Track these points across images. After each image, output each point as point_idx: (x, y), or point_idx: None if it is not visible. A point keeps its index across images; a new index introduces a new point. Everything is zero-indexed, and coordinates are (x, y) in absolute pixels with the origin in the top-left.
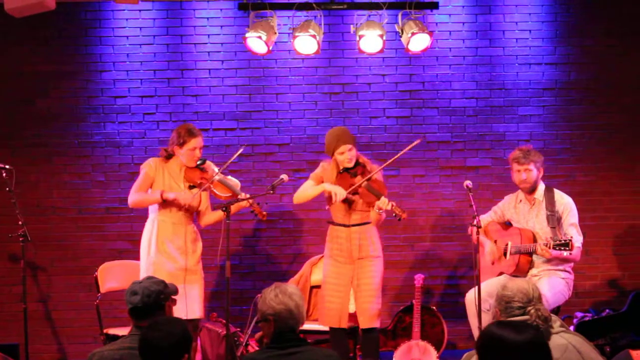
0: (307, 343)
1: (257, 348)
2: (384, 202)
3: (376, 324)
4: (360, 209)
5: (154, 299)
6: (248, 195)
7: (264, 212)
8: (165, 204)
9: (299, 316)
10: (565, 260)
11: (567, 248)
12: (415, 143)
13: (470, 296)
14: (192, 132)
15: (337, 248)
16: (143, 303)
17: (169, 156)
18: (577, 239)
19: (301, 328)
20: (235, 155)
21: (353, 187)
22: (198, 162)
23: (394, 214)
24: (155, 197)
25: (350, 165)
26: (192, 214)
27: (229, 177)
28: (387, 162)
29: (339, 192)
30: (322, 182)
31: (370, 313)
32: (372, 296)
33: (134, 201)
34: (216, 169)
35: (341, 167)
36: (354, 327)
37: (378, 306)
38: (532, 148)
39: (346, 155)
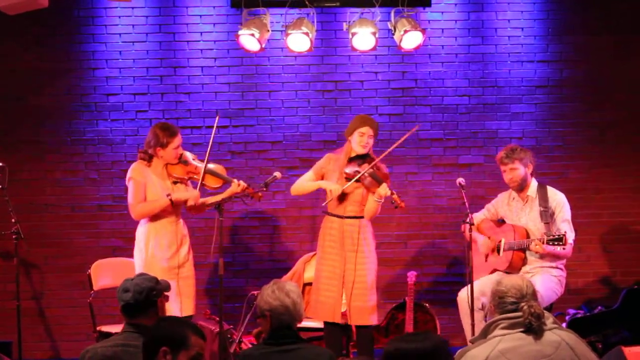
0: (303, 340)
1: (251, 345)
2: (384, 188)
3: (370, 321)
4: (357, 201)
5: (146, 296)
6: (241, 182)
7: (260, 194)
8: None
9: (296, 313)
10: (557, 257)
11: (561, 243)
12: (413, 130)
13: (463, 295)
14: (172, 131)
15: (330, 239)
16: (135, 300)
17: (150, 159)
18: (569, 235)
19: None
20: (211, 141)
21: (359, 174)
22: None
23: (392, 201)
24: (164, 202)
25: (364, 151)
26: (181, 208)
27: (212, 165)
28: (388, 151)
29: (334, 189)
30: (323, 175)
31: (363, 311)
32: (366, 294)
33: (142, 213)
34: (190, 156)
35: (353, 153)
36: (347, 324)
37: (372, 303)
38: (516, 146)
39: (365, 138)
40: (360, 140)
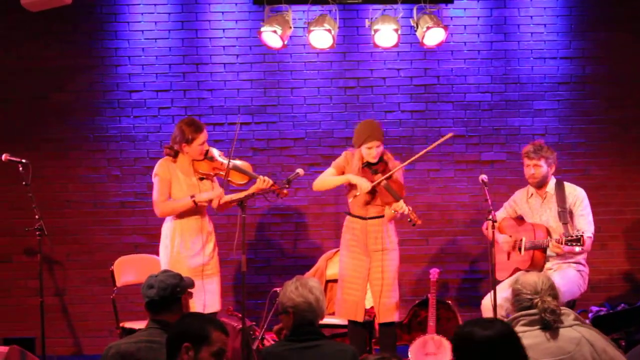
0: (325, 337)
1: (274, 341)
2: (401, 206)
3: (394, 318)
4: (378, 203)
5: (170, 292)
6: (266, 178)
7: (285, 191)
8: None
9: (319, 310)
10: (578, 253)
11: (579, 244)
12: (447, 136)
13: (487, 302)
14: (198, 127)
15: (352, 239)
16: (159, 296)
17: (176, 154)
18: (588, 229)
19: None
20: (236, 137)
21: (373, 184)
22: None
23: (409, 219)
24: (187, 203)
25: (374, 161)
26: (208, 205)
27: (237, 161)
28: (413, 158)
29: (364, 185)
30: (344, 172)
31: (388, 307)
32: (390, 290)
33: (166, 211)
34: (216, 152)
35: (365, 161)
36: (370, 321)
37: (396, 300)
38: (545, 144)
39: (373, 151)
40: (368, 154)
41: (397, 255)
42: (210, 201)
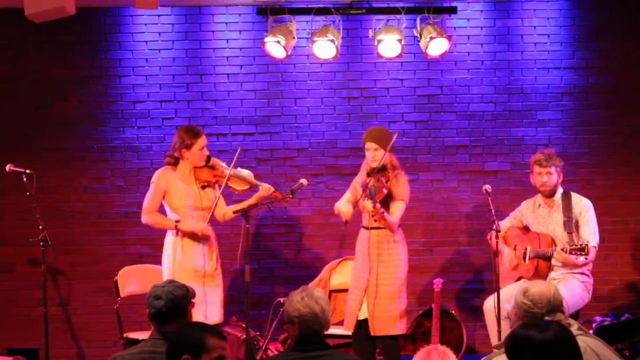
0: (331, 347)
1: (277, 351)
2: (368, 204)
3: (391, 332)
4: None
5: (178, 304)
6: (267, 185)
7: (287, 197)
8: (184, 209)
9: (324, 320)
10: (581, 264)
11: (584, 253)
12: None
13: (489, 304)
14: (196, 132)
15: (359, 250)
16: (167, 308)
17: (176, 162)
18: (592, 239)
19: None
20: (239, 151)
21: (362, 193)
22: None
23: (372, 214)
24: (170, 225)
25: (374, 165)
26: (210, 215)
27: (239, 169)
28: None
29: (344, 212)
30: (355, 191)
31: (385, 321)
32: (386, 304)
33: (149, 222)
34: (223, 164)
35: (371, 168)
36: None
37: (394, 313)
38: (553, 152)
39: (370, 153)
40: (367, 156)
41: (400, 268)
42: (192, 232)
